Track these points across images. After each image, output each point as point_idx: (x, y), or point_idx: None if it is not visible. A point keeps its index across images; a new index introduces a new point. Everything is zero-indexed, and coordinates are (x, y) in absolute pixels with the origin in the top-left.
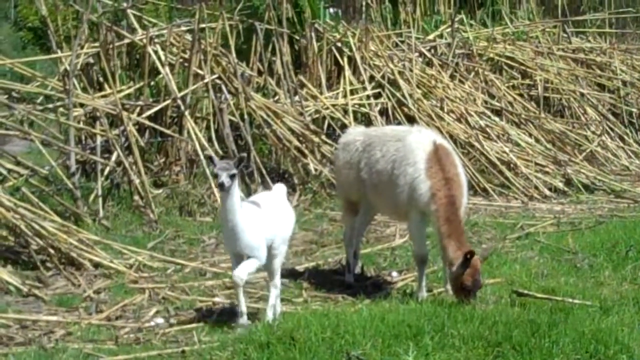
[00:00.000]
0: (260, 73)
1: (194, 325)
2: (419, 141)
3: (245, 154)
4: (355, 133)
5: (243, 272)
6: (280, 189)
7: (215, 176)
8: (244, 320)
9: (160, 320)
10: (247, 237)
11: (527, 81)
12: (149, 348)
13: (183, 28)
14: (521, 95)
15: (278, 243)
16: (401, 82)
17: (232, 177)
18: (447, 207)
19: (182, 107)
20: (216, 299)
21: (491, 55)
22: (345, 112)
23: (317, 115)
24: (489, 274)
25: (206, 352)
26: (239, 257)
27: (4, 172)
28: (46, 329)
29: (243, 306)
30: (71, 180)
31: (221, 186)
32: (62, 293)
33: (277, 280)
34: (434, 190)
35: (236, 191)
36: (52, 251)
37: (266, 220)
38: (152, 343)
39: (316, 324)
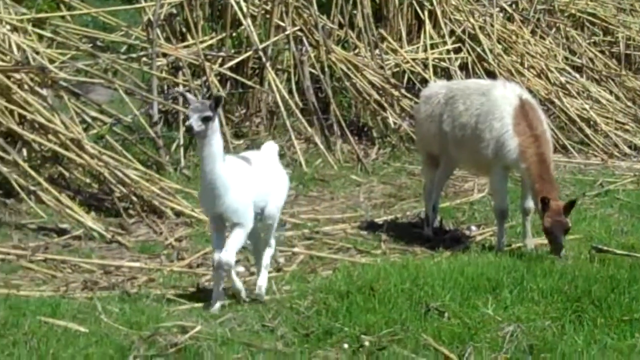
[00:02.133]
0: (341, 26)
1: (273, 274)
2: (504, 96)
3: (222, 94)
4: (437, 86)
5: (230, 254)
6: (270, 148)
7: (186, 118)
8: (243, 294)
9: (241, 269)
10: (229, 196)
11: (609, 38)
12: (230, 296)
13: None
14: (602, 52)
15: (271, 211)
16: (482, 37)
17: (205, 120)
18: (538, 165)
19: (264, 59)
20: (295, 249)
21: (573, 11)
22: (425, 66)
23: (397, 69)
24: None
25: (286, 301)
26: (218, 223)
27: (89, 120)
28: (129, 274)
29: (238, 283)
30: (153, 130)
31: (189, 130)
32: (144, 240)
33: (272, 240)
34: (522, 148)
35: (215, 139)
36: (134, 199)
37: (256, 179)
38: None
39: (395, 275)
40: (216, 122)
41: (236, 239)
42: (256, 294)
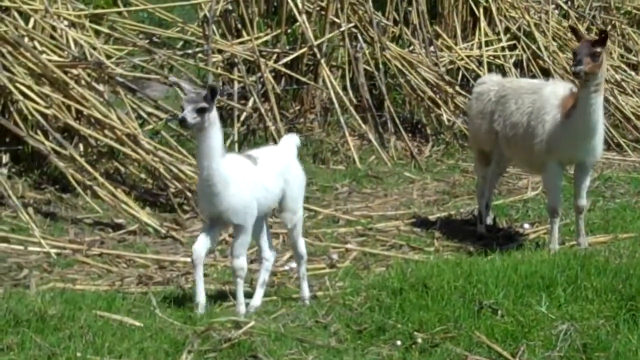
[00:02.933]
0: (395, 22)
1: (327, 270)
2: (554, 91)
3: (217, 84)
4: (489, 83)
5: (242, 260)
6: (289, 141)
7: (181, 109)
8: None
9: (294, 265)
10: (229, 194)
11: None
12: (283, 291)
13: None
14: None
15: (287, 215)
16: (537, 34)
17: (200, 111)
18: None
19: (318, 55)
20: (348, 246)
21: (629, 8)
22: (480, 63)
23: (451, 66)
24: (622, 229)
25: (339, 297)
26: (214, 225)
27: (144, 115)
28: (183, 269)
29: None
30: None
31: (182, 122)
32: (198, 236)
33: (302, 248)
34: None
35: (213, 132)
36: (189, 194)
37: (262, 178)
38: (286, 287)
39: (449, 272)
40: (214, 114)
41: (242, 243)
42: (301, 303)
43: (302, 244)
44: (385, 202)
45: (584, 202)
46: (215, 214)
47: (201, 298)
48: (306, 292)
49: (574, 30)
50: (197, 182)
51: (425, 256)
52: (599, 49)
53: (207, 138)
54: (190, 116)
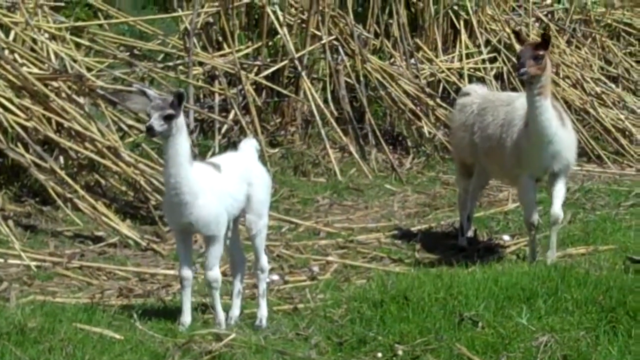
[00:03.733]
0: (376, 35)
1: (307, 283)
2: (525, 102)
3: (183, 90)
4: (473, 95)
5: (215, 271)
6: (248, 145)
7: (148, 116)
8: (231, 317)
9: (275, 277)
10: (198, 205)
11: None
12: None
13: None
14: (638, 62)
15: (252, 218)
16: (517, 46)
17: (167, 118)
18: None
19: (299, 68)
20: (329, 258)
21: (609, 21)
22: (461, 75)
23: (432, 79)
24: (602, 241)
25: (320, 309)
26: (185, 237)
27: (125, 128)
28: (164, 282)
29: (220, 315)
30: (189, 138)
31: (149, 130)
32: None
33: (264, 261)
34: None
35: (181, 139)
36: None
37: (227, 185)
38: (267, 299)
39: (429, 284)
40: (181, 120)
41: (214, 254)
42: (256, 326)
43: (264, 256)
44: (366, 214)
45: (557, 212)
46: (184, 226)
47: (188, 318)
48: (264, 311)
49: (516, 34)
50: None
51: (406, 268)
52: (541, 52)
53: (175, 145)
54: (157, 123)
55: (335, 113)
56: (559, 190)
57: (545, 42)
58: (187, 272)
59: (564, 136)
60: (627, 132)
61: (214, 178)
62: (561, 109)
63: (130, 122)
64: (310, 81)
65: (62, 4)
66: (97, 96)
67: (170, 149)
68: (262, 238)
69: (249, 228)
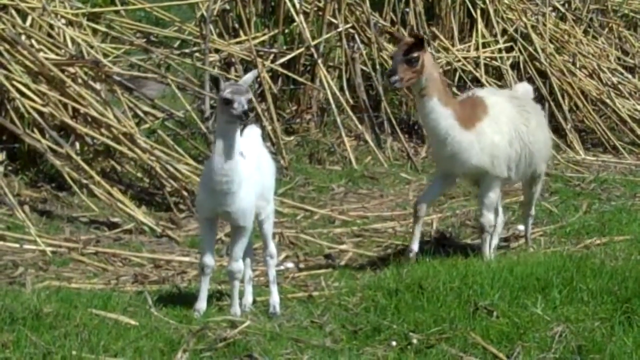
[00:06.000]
0: (393, 23)
1: (322, 270)
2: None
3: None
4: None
5: (240, 263)
6: (253, 132)
7: (227, 103)
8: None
9: (290, 265)
10: (240, 195)
11: None
12: (279, 291)
13: None
14: None
15: (261, 204)
16: (534, 36)
17: (250, 102)
18: None
19: (315, 56)
20: (344, 246)
21: (626, 11)
22: (477, 65)
23: (448, 67)
24: (618, 231)
25: (335, 297)
26: (213, 225)
27: (141, 114)
28: (179, 269)
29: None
30: (205, 125)
31: (241, 117)
32: (194, 235)
33: (272, 247)
34: None
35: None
36: (185, 193)
37: (256, 174)
38: (282, 286)
39: (444, 273)
40: None
41: (241, 246)
42: (270, 314)
43: (272, 241)
44: (381, 202)
45: (480, 220)
46: (219, 215)
47: (203, 305)
48: (276, 297)
49: (390, 34)
50: (201, 179)
51: (421, 257)
52: (415, 54)
53: (236, 132)
54: (248, 107)
55: (351, 101)
56: (480, 196)
57: (419, 41)
58: (210, 260)
59: (463, 138)
60: None
61: (245, 166)
62: (471, 108)
63: (146, 109)
64: (326, 69)
65: None
66: (114, 82)
67: (233, 136)
68: (270, 224)
69: (258, 214)
